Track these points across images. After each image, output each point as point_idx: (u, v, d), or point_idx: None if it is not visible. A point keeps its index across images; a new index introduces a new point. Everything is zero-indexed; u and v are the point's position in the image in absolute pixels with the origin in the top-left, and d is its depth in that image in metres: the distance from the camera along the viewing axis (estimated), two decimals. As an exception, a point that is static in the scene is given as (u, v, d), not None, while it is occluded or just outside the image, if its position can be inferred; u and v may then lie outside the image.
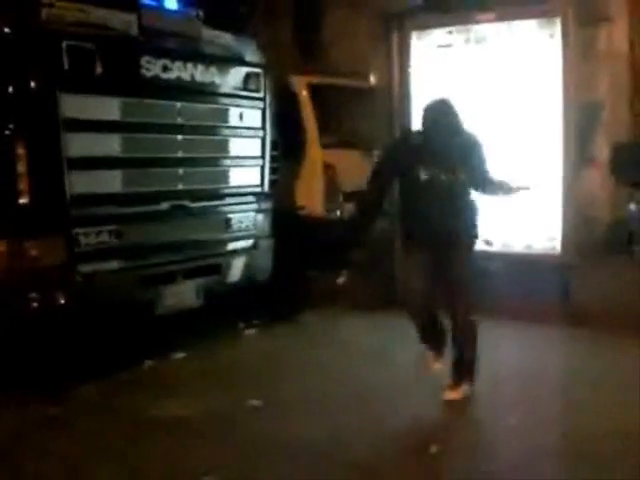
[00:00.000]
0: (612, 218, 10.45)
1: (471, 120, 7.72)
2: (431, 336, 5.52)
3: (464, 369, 5.40)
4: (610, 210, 10.32)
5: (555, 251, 7.73)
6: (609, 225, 10.33)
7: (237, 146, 6.93)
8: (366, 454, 4.56)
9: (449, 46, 8.06)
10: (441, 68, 8.10)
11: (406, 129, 6.53)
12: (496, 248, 7.91)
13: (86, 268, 5.68)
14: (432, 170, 5.22)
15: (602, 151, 9.36)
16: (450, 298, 5.40)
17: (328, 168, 8.25)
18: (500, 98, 7.84)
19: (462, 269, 5.37)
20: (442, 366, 5.46)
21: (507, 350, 6.61)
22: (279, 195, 7.56)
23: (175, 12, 6.49)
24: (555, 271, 7.63)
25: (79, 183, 5.57)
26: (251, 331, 7.29)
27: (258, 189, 7.22)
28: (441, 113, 5.28)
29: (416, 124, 8.12)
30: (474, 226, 5.48)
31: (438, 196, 5.24)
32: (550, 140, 7.69)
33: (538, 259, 7.73)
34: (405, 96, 8.31)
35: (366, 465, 4.42)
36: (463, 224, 5.39)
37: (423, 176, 5.22)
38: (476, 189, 5.45)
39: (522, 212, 7.78)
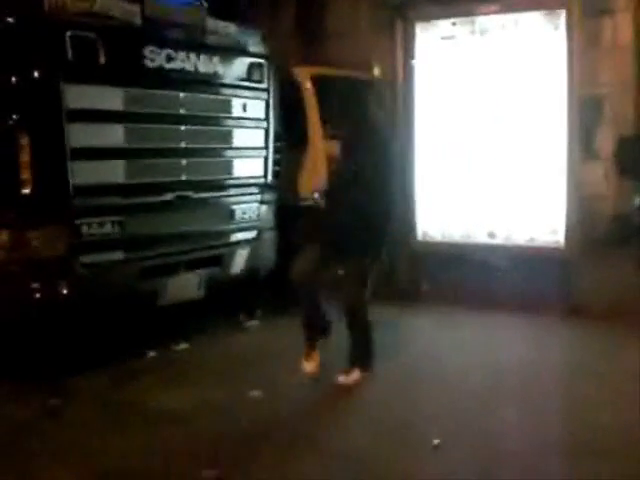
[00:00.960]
0: (615, 212, 10.45)
1: (476, 112, 7.81)
2: (312, 321, 5.78)
3: (353, 355, 5.62)
4: (613, 204, 10.31)
5: (558, 244, 7.72)
6: (612, 219, 10.33)
7: (240, 137, 6.91)
8: (369, 448, 4.55)
9: (453, 38, 8.04)
10: (445, 60, 8.08)
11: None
12: (499, 241, 7.91)
13: (88, 259, 5.66)
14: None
15: (606, 144, 9.34)
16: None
17: (331, 160, 8.23)
18: (504, 90, 7.82)
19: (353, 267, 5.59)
20: (315, 368, 5.76)
21: (509, 342, 6.62)
22: (282, 186, 7.54)
23: (179, 2, 6.45)
24: (558, 264, 7.61)
25: (82, 173, 5.55)
26: (253, 323, 7.28)
27: (261, 180, 7.20)
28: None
29: (420, 115, 8.19)
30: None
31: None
32: (554, 133, 7.67)
33: (541, 252, 7.72)
34: (409, 88, 8.29)
35: (369, 459, 4.41)
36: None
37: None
38: None
39: (525, 205, 7.77)
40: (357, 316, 5.66)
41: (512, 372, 5.84)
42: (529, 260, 7.62)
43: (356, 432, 4.77)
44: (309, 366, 5.78)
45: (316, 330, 5.84)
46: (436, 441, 4.53)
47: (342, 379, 5.57)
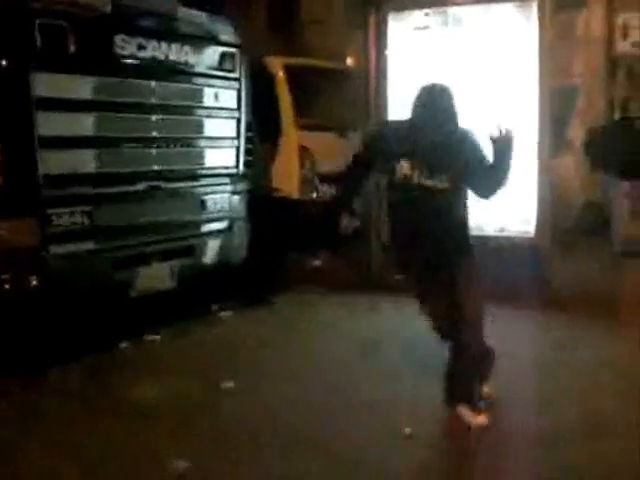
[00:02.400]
0: (586, 201, 10.56)
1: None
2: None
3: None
4: (584, 193, 10.41)
5: (529, 234, 7.75)
6: (583, 208, 10.43)
7: (212, 127, 6.88)
8: (339, 436, 4.56)
9: (426, 28, 8.03)
10: (418, 50, 8.07)
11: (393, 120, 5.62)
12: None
13: (59, 249, 5.61)
14: (413, 168, 4.48)
15: (577, 135, 9.42)
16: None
17: (304, 150, 8.24)
18: (476, 81, 7.83)
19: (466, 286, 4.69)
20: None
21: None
22: (255, 177, 7.52)
23: (150, -10, 6.40)
24: (529, 254, 7.65)
25: (51, 163, 5.50)
26: (226, 313, 7.26)
27: (233, 170, 7.18)
28: (434, 100, 4.53)
29: (393, 107, 8.18)
30: (465, 243, 4.77)
31: (419, 205, 4.52)
32: (526, 124, 7.69)
33: (512, 242, 7.75)
34: (382, 79, 8.27)
35: (337, 447, 4.42)
36: (452, 244, 4.63)
37: (400, 174, 4.51)
38: (481, 194, 4.71)
39: (496, 195, 7.79)
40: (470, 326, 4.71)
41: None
42: (500, 250, 7.64)
43: (332, 421, 4.77)
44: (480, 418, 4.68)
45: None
46: (408, 430, 4.55)
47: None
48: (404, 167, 4.46)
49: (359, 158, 4.91)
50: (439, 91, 4.56)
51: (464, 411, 4.62)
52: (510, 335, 6.54)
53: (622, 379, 5.51)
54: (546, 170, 7.68)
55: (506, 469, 4.17)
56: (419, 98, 4.55)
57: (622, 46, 10.59)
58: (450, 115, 4.51)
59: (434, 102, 4.50)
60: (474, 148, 4.57)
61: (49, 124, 5.45)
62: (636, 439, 4.47)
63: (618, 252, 9.58)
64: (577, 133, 10.02)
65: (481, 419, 4.57)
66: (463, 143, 4.54)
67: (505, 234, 7.79)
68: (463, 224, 4.72)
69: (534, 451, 4.39)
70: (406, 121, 4.61)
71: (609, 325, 6.75)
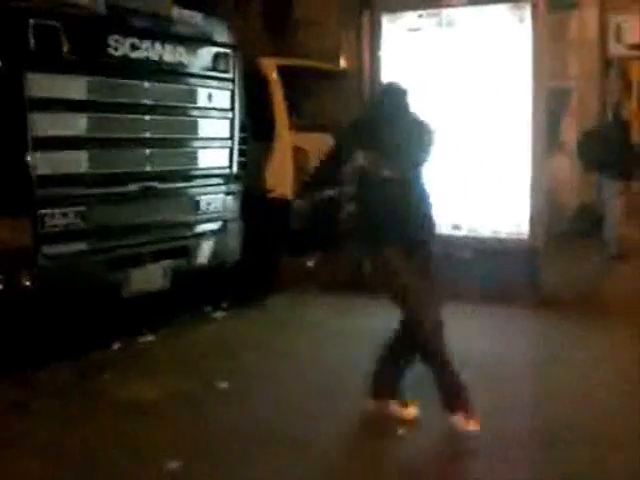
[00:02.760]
0: (580, 203, 10.60)
1: (441, 104, 7.83)
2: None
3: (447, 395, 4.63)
4: (578, 195, 10.45)
5: (523, 235, 7.77)
6: (577, 210, 10.47)
7: (206, 127, 6.87)
8: (334, 437, 4.57)
9: (419, 30, 8.04)
10: (411, 52, 8.08)
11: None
12: (464, 233, 7.94)
13: (51, 250, 5.60)
14: (372, 160, 4.65)
15: (571, 137, 9.45)
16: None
17: (298, 151, 8.24)
18: (470, 83, 7.84)
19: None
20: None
21: (475, 333, 6.63)
22: (249, 178, 7.52)
23: (144, -10, 6.40)
24: (523, 256, 7.67)
25: (45, 163, 5.49)
26: (219, 314, 7.26)
27: (227, 171, 7.17)
28: (386, 93, 4.91)
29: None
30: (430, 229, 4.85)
31: (376, 194, 4.67)
32: (519, 125, 7.71)
33: (506, 244, 7.77)
34: (375, 80, 8.27)
35: (333, 449, 4.44)
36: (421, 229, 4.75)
37: (361, 165, 4.69)
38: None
39: (490, 197, 7.81)
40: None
41: (479, 362, 5.86)
42: (494, 252, 7.66)
43: (323, 422, 4.77)
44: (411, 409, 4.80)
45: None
46: (401, 431, 4.56)
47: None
48: (360, 158, 4.68)
49: (329, 153, 5.22)
50: (393, 89, 4.86)
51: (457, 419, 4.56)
52: (503, 334, 6.58)
53: (616, 377, 5.56)
54: (540, 172, 7.70)
55: (501, 470, 4.18)
56: (379, 95, 4.99)
57: (615, 48, 10.65)
58: (401, 111, 4.72)
59: (387, 99, 4.80)
60: (419, 141, 4.73)
61: (43, 125, 5.44)
62: (633, 437, 4.51)
63: (612, 254, 9.63)
64: (570, 135, 10.06)
65: (473, 425, 4.52)
66: (411, 136, 4.69)
67: (499, 236, 7.80)
68: (420, 213, 4.77)
69: (530, 452, 4.41)
70: (365, 117, 5.00)
71: (602, 325, 6.79)
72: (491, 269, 7.57)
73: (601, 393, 5.23)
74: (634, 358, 5.97)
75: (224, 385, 5.38)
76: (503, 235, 7.80)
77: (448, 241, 7.88)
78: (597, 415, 4.86)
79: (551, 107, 8.04)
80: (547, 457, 4.31)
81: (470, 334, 6.56)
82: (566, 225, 10.02)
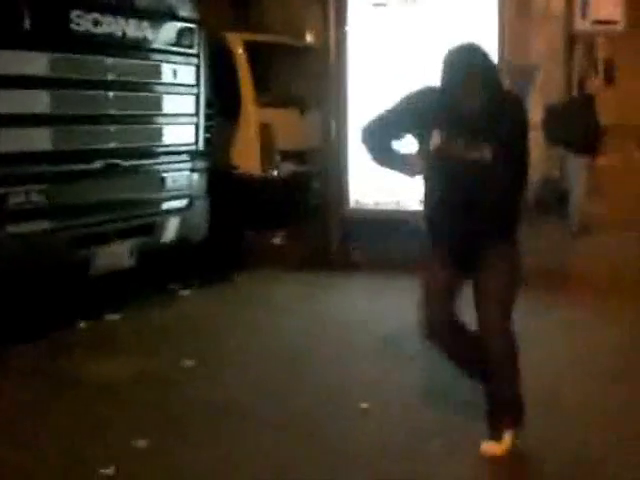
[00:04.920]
0: (544, 178, 10.68)
1: (407, 80, 7.82)
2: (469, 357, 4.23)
3: (501, 410, 4.07)
4: (542, 170, 10.53)
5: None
6: (541, 185, 10.55)
7: (171, 103, 6.80)
8: (299, 413, 4.59)
9: (385, 5, 8.02)
10: (377, 27, 8.06)
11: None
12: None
13: (15, 229, 5.53)
14: (450, 139, 3.85)
15: (536, 112, 9.50)
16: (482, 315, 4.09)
17: (264, 127, 8.21)
18: (435, 58, 7.83)
19: (497, 282, 4.03)
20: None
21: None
22: (215, 154, 7.48)
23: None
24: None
25: (7, 141, 5.40)
26: (186, 292, 7.24)
27: (193, 147, 7.12)
28: (469, 63, 3.88)
29: (352, 82, 8.16)
30: (508, 226, 4.05)
31: (459, 179, 3.87)
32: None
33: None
34: (341, 55, 8.25)
35: (301, 425, 4.45)
36: (493, 224, 3.92)
37: (434, 145, 3.89)
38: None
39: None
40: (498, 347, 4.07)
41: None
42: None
43: (290, 399, 4.78)
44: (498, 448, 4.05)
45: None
46: (364, 405, 4.61)
47: (492, 449, 4.05)
48: (437, 137, 3.88)
49: (390, 116, 4.17)
50: (471, 51, 3.95)
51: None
52: (465, 310, 6.63)
53: (577, 348, 5.69)
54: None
55: (465, 445, 4.23)
56: (448, 62, 3.92)
57: (581, 24, 10.69)
58: (488, 77, 3.90)
59: (466, 64, 3.88)
60: (517, 117, 3.99)
61: (4, 101, 5.35)
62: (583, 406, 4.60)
63: (575, 229, 9.74)
64: (535, 110, 10.11)
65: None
66: (505, 109, 3.94)
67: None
68: (509, 204, 4.01)
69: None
70: (438, 88, 3.95)
71: (564, 300, 6.91)
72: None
73: (557, 367, 5.30)
74: (593, 331, 6.08)
75: (191, 363, 5.37)
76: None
77: (415, 216, 7.93)
78: (555, 386, 4.94)
79: (517, 82, 8.06)
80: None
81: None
82: (530, 200, 10.09)
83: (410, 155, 4.07)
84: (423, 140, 3.97)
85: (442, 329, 4.17)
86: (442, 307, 4.15)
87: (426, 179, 4.06)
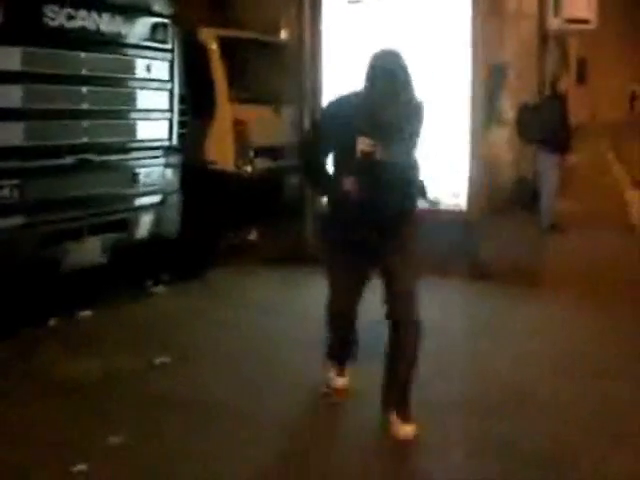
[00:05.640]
0: (517, 176, 10.75)
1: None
2: (343, 348, 4.80)
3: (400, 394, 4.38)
4: (515, 168, 10.59)
5: (460, 207, 7.86)
6: (514, 182, 10.61)
7: (144, 99, 6.76)
8: (276, 408, 4.61)
9: (359, 2, 8.03)
10: (352, 24, 8.07)
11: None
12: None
13: (-14, 224, 5.49)
14: (371, 143, 4.05)
15: (509, 111, 9.55)
16: (392, 303, 4.37)
17: (238, 123, 8.18)
18: (410, 56, 7.85)
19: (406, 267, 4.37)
20: (346, 382, 4.87)
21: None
22: (189, 150, 7.45)
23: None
24: (461, 227, 7.77)
25: (-22, 136, 5.36)
26: (159, 288, 7.21)
27: (166, 143, 7.08)
28: (387, 69, 4.11)
29: (327, 81, 8.16)
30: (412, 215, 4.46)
31: (377, 179, 4.13)
32: (458, 99, 7.78)
33: (443, 215, 7.85)
34: (316, 52, 8.25)
35: (276, 420, 4.47)
36: (403, 217, 4.34)
37: (360, 150, 4.05)
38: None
39: (429, 169, 7.86)
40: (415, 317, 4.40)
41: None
42: (433, 223, 7.73)
43: (266, 395, 4.81)
44: (341, 381, 4.86)
45: (348, 354, 4.83)
46: (335, 400, 4.68)
47: (405, 431, 4.30)
48: (362, 143, 4.05)
49: (311, 141, 4.56)
50: (393, 57, 4.19)
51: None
52: (441, 304, 6.68)
53: (546, 346, 5.73)
54: (478, 145, 7.78)
55: (436, 438, 4.26)
56: (373, 67, 4.13)
57: (554, 22, 10.77)
58: (406, 82, 4.17)
59: (389, 70, 4.11)
60: (419, 124, 4.30)
61: (-24, 96, 5.32)
62: (561, 405, 4.64)
63: (547, 226, 9.82)
64: (508, 108, 10.17)
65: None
66: (417, 115, 4.27)
67: (437, 207, 7.88)
68: (413, 197, 4.46)
69: (468, 419, 4.52)
70: (359, 93, 4.19)
71: (535, 296, 7.00)
72: (428, 240, 7.64)
73: (531, 363, 5.37)
74: (564, 328, 6.16)
75: (165, 359, 5.36)
76: (441, 206, 7.89)
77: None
78: (529, 382, 5.01)
79: (490, 81, 8.10)
80: (484, 424, 4.42)
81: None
82: (503, 197, 10.15)
83: (346, 179, 4.17)
84: (345, 150, 4.11)
85: (347, 321, 4.60)
86: (350, 301, 4.52)
87: (340, 179, 4.20)
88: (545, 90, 10.72)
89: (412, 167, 4.38)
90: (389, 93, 4.05)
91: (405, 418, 4.28)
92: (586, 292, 7.11)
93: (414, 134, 4.25)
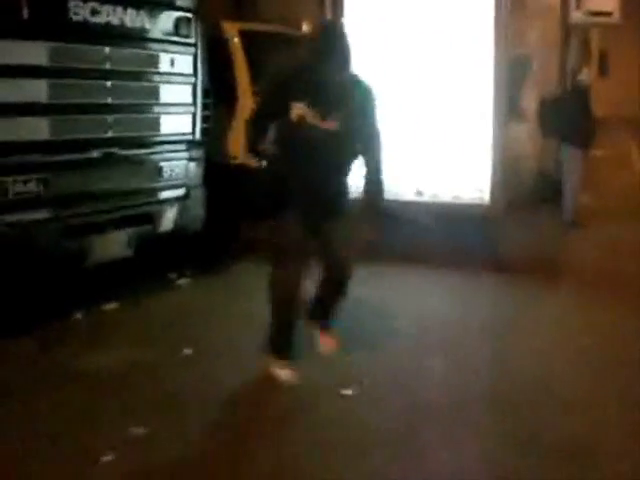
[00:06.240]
0: (539, 170, 10.72)
1: (404, 70, 7.85)
2: (288, 330, 4.99)
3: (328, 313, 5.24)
4: (537, 162, 10.57)
5: (483, 201, 7.86)
6: (536, 177, 10.59)
7: (168, 93, 6.79)
8: (299, 401, 4.66)
9: (382, -6, 8.03)
10: (374, 17, 8.06)
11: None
12: (425, 198, 8.01)
13: (13, 218, 5.53)
14: (307, 110, 4.47)
15: (531, 104, 9.52)
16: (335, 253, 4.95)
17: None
18: (432, 49, 7.87)
19: (343, 240, 4.92)
20: (294, 372, 4.95)
21: (435, 297, 6.76)
22: (211, 144, 7.48)
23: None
24: (483, 222, 7.77)
25: (5, 131, 5.40)
26: (183, 281, 7.25)
27: (190, 137, 7.12)
28: (334, 42, 4.50)
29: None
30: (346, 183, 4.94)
31: (316, 148, 4.56)
32: (481, 92, 7.77)
33: (466, 209, 7.85)
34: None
35: (300, 411, 4.52)
36: (340, 184, 4.86)
37: (296, 114, 4.47)
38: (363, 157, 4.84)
39: (451, 163, 7.88)
40: (348, 277, 5.01)
41: (436, 325, 6.00)
42: (455, 218, 7.75)
43: (288, 387, 4.85)
44: (288, 371, 4.97)
45: (291, 343, 5.05)
46: (348, 391, 4.68)
47: (328, 343, 5.27)
48: (299, 107, 4.46)
49: (260, 106, 4.91)
50: (335, 31, 4.60)
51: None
52: (462, 298, 6.71)
53: (567, 340, 5.75)
54: (501, 138, 7.77)
55: (456, 431, 4.28)
56: (315, 38, 4.58)
57: (576, 15, 10.71)
58: (346, 56, 4.54)
59: (331, 42, 4.49)
60: (366, 101, 4.72)
61: (2, 91, 5.35)
62: (582, 399, 4.64)
63: (569, 220, 9.79)
64: (530, 102, 10.14)
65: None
66: (355, 88, 4.67)
67: (460, 202, 7.89)
68: (347, 173, 4.86)
69: (476, 414, 4.52)
70: (301, 63, 4.62)
71: (556, 291, 6.99)
72: (451, 234, 7.67)
73: (552, 357, 5.38)
74: (585, 322, 6.16)
75: (189, 352, 5.40)
76: (464, 201, 7.89)
77: (411, 207, 7.97)
78: (548, 378, 5.01)
79: (512, 74, 8.08)
80: (504, 418, 4.43)
81: (429, 298, 6.69)
82: (525, 191, 10.13)
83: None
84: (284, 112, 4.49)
85: (296, 288, 4.85)
86: (299, 267, 4.81)
87: (284, 145, 4.66)
88: (567, 84, 10.67)
89: (355, 143, 4.70)
90: (331, 64, 4.44)
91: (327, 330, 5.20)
92: (607, 286, 7.09)
93: (360, 114, 4.61)
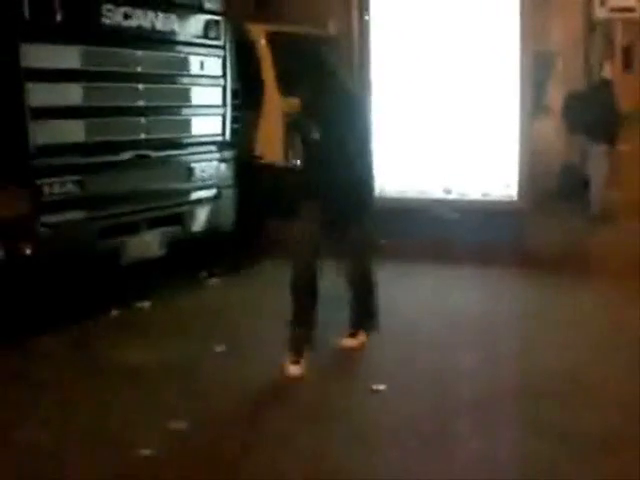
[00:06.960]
0: (564, 165, 10.72)
1: (430, 68, 7.89)
2: (303, 322, 5.15)
3: (358, 318, 5.47)
4: (562, 157, 10.56)
5: (511, 198, 7.89)
6: (562, 172, 10.58)
7: (198, 95, 6.91)
8: (327, 395, 4.71)
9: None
10: (399, 16, 8.11)
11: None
12: (454, 196, 8.05)
13: (50, 219, 5.66)
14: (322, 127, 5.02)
15: (556, 100, 9.53)
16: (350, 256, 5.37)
17: (288, 117, 8.26)
18: (458, 46, 7.90)
19: (361, 237, 5.32)
20: (302, 372, 5.02)
21: (464, 292, 6.80)
22: (240, 144, 7.57)
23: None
24: (511, 217, 7.79)
25: (42, 133, 5.53)
26: (214, 280, 7.34)
27: (220, 138, 7.23)
28: (325, 65, 5.18)
29: (376, 71, 8.20)
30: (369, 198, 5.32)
31: (330, 159, 5.05)
32: (507, 89, 7.79)
33: (495, 206, 7.89)
34: (364, 43, 8.31)
35: (325, 405, 4.58)
36: (357, 197, 5.19)
37: (315, 134, 5.04)
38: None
39: (479, 160, 7.92)
40: (368, 278, 5.43)
41: (466, 320, 6.04)
42: (484, 214, 7.78)
43: (320, 383, 4.91)
44: (296, 369, 5.05)
45: (307, 339, 5.15)
46: (380, 386, 4.73)
47: (348, 342, 5.45)
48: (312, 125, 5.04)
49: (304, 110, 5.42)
50: (329, 59, 5.20)
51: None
52: (491, 293, 6.74)
53: (598, 332, 5.77)
54: (527, 134, 7.80)
55: (485, 422, 4.32)
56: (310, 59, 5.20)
57: (600, 11, 10.70)
58: (343, 81, 5.18)
59: (327, 66, 5.12)
60: (363, 118, 5.34)
61: (39, 95, 5.48)
62: (610, 392, 4.68)
63: (595, 215, 9.78)
64: (555, 98, 10.14)
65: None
66: (356, 107, 5.28)
67: (488, 198, 7.92)
68: (360, 182, 5.20)
69: (506, 406, 4.56)
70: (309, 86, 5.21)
71: (583, 285, 7.00)
72: (481, 231, 7.69)
73: (580, 350, 5.40)
74: (612, 315, 6.17)
75: (222, 348, 5.47)
76: (493, 197, 7.93)
77: (439, 204, 8.01)
78: (576, 370, 5.03)
79: (537, 70, 8.09)
80: (532, 410, 4.46)
81: (459, 294, 6.73)
82: (551, 187, 10.14)
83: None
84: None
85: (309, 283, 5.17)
86: (311, 262, 5.13)
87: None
88: (592, 79, 10.64)
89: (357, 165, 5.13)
90: (323, 83, 5.05)
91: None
92: (634, 280, 7.08)
93: (354, 124, 5.10)
